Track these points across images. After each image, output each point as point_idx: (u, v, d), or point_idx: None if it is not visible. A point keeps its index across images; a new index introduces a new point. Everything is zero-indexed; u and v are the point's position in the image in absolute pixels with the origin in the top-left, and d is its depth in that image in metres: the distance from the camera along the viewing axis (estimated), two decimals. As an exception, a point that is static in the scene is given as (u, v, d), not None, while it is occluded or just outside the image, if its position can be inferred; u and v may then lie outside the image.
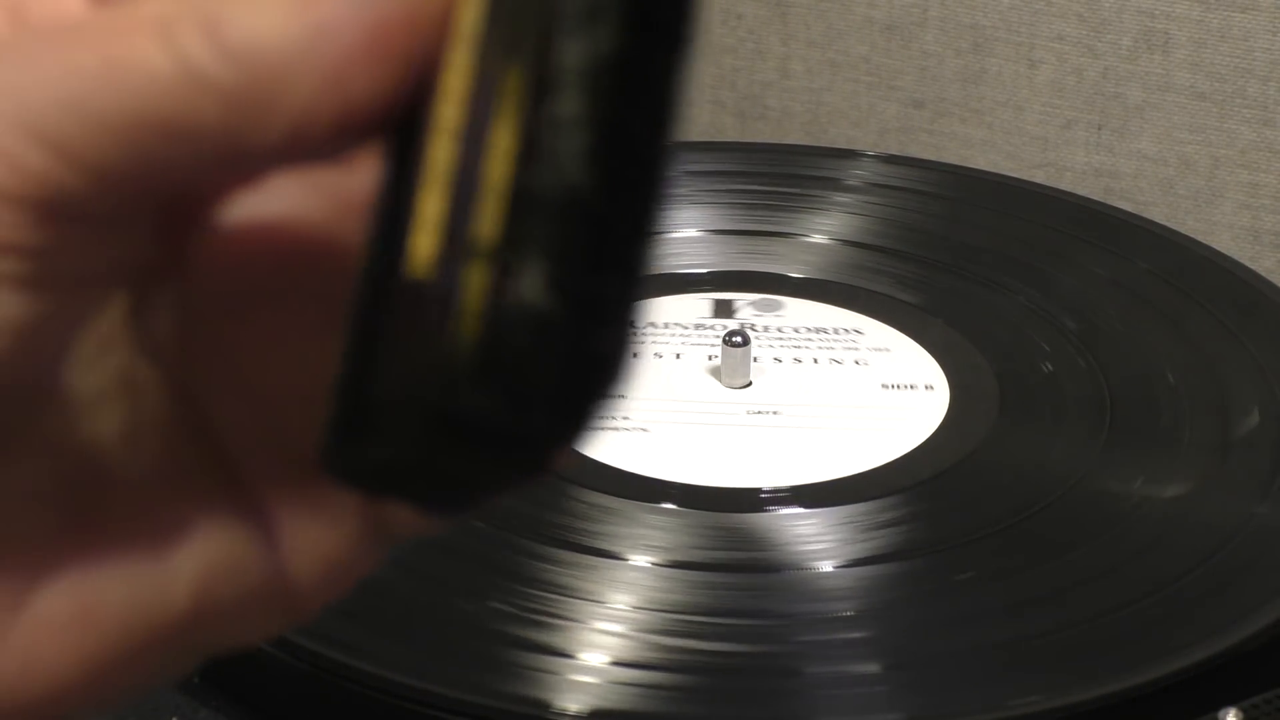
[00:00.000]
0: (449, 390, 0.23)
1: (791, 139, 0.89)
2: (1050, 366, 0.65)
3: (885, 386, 0.64)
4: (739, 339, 0.64)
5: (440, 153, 0.24)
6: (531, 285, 0.23)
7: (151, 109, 0.24)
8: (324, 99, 0.25)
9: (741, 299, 0.69)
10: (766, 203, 0.74)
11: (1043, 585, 0.55)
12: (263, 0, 0.25)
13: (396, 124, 0.25)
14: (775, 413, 0.63)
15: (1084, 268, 0.70)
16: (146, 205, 0.26)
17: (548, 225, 0.23)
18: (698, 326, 0.67)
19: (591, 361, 0.23)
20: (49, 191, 0.24)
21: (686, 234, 0.73)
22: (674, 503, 0.58)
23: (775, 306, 0.68)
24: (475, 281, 0.23)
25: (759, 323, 0.67)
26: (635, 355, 0.24)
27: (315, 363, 0.27)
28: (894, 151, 0.85)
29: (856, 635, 0.53)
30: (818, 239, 0.72)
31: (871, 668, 0.52)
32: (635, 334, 0.24)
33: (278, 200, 0.28)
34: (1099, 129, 0.85)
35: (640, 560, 0.55)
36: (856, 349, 0.66)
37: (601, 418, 0.24)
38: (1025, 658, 0.52)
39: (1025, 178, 0.80)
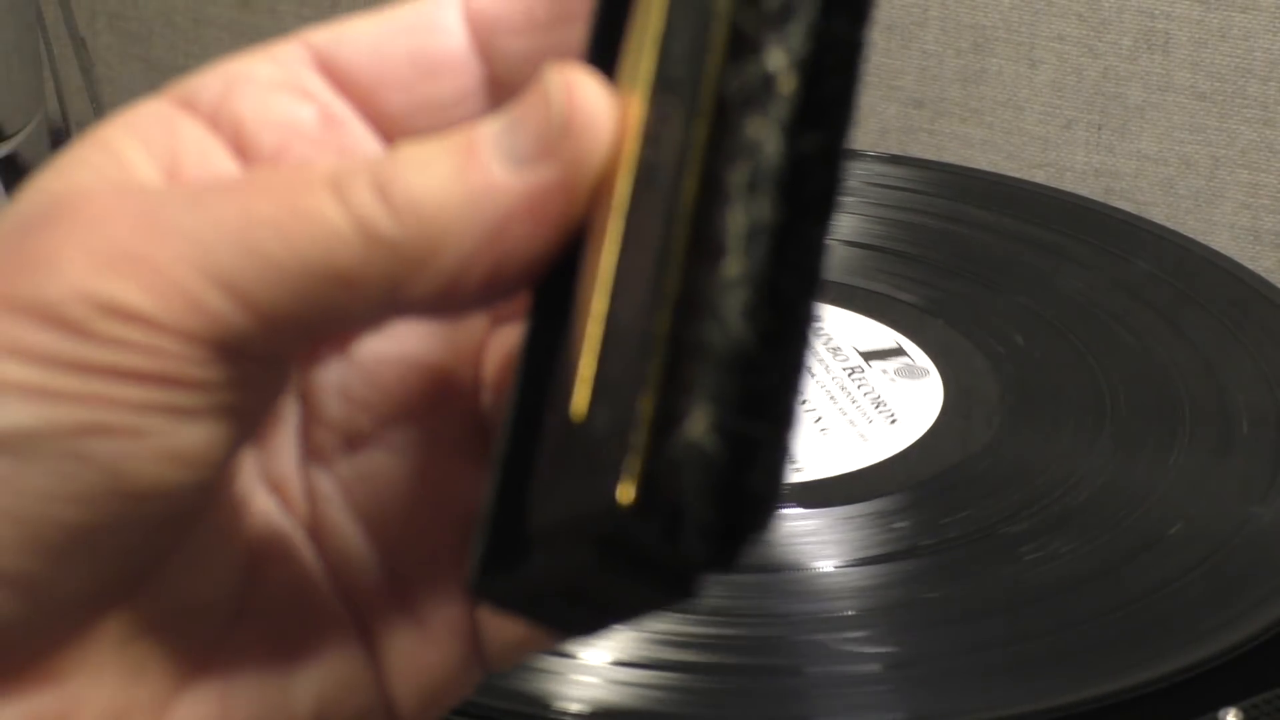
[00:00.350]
0: (614, 523, 0.25)
1: (791, 139, 0.89)
2: (1050, 366, 0.65)
3: (885, 387, 0.64)
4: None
5: (600, 305, 0.26)
6: (696, 428, 0.25)
7: (323, 258, 0.26)
8: (480, 256, 0.27)
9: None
10: None
11: (1042, 585, 0.55)
12: (429, 162, 0.27)
13: (544, 280, 0.27)
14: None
15: (1084, 268, 0.70)
16: (303, 346, 0.28)
17: (712, 374, 0.25)
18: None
19: (747, 500, 0.25)
20: (224, 332, 0.26)
21: None
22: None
23: None
24: (644, 423, 0.25)
25: None
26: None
27: (425, 493, 0.30)
28: (894, 151, 0.85)
29: (856, 635, 0.53)
30: (818, 239, 0.72)
31: (871, 668, 0.52)
32: (787, 477, 0.26)
33: (398, 341, 0.30)
34: (1099, 129, 0.85)
35: (640, 560, 0.55)
36: (855, 349, 0.66)
37: (750, 552, 0.26)
38: (1024, 658, 0.52)
39: (1025, 178, 0.80)
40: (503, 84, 0.30)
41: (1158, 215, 0.83)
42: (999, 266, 0.70)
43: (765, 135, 0.26)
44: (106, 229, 0.27)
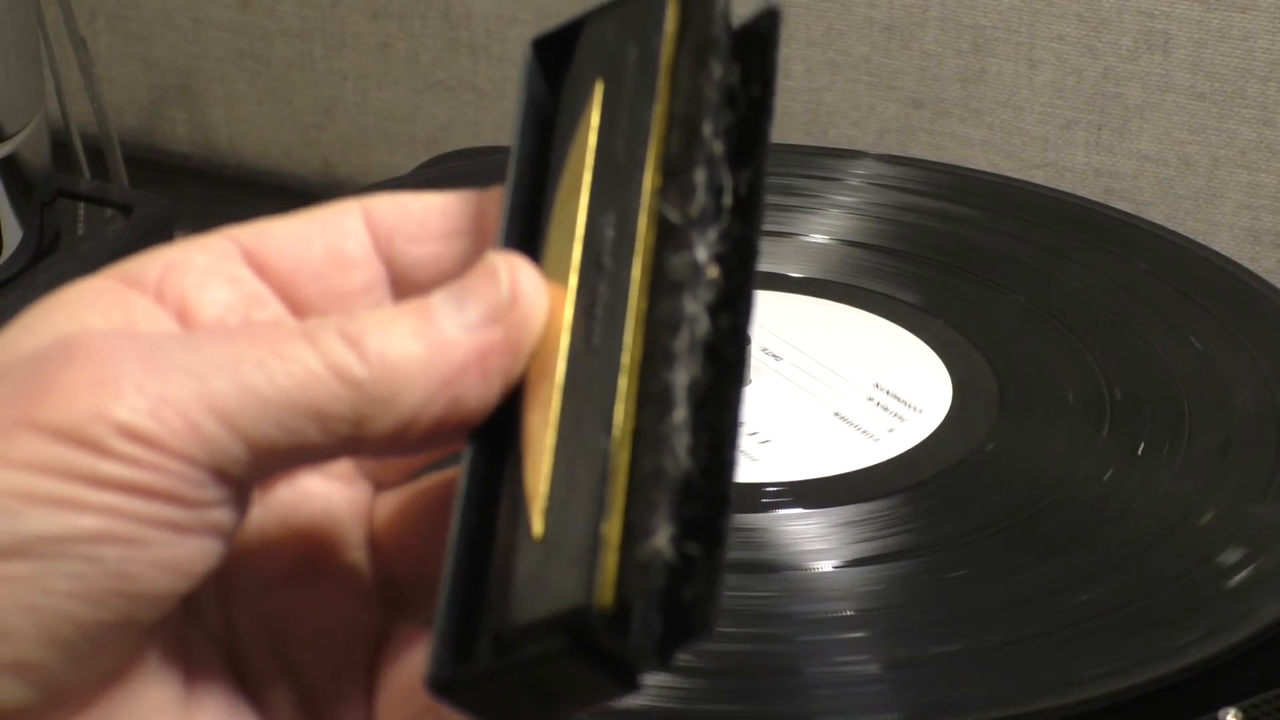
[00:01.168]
0: (589, 622, 0.29)
1: (791, 139, 0.89)
2: (1050, 366, 0.65)
3: (885, 387, 0.64)
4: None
5: (549, 440, 0.31)
6: (660, 543, 0.29)
7: (303, 395, 0.31)
8: (435, 400, 0.31)
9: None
10: (766, 202, 0.74)
11: (1042, 585, 0.55)
12: (391, 322, 0.32)
13: (487, 426, 0.32)
14: (777, 411, 0.63)
15: (1084, 268, 0.70)
16: (276, 474, 0.33)
17: (669, 499, 0.30)
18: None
19: (694, 607, 0.30)
20: (220, 457, 0.31)
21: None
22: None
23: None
24: (612, 539, 0.29)
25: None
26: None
27: (332, 624, 0.35)
28: (894, 151, 0.85)
29: (856, 635, 0.53)
30: (818, 239, 0.72)
31: (871, 668, 0.52)
32: (723, 590, 0.30)
33: (306, 493, 0.35)
34: (1099, 129, 0.85)
35: (640, 560, 0.55)
36: (853, 348, 0.66)
37: (689, 653, 0.30)
38: (1025, 658, 0.52)
39: (1025, 178, 0.80)
40: (404, 284, 0.35)
41: (1158, 215, 0.83)
42: (999, 266, 0.70)
43: (697, 312, 0.31)
44: (117, 364, 0.31)
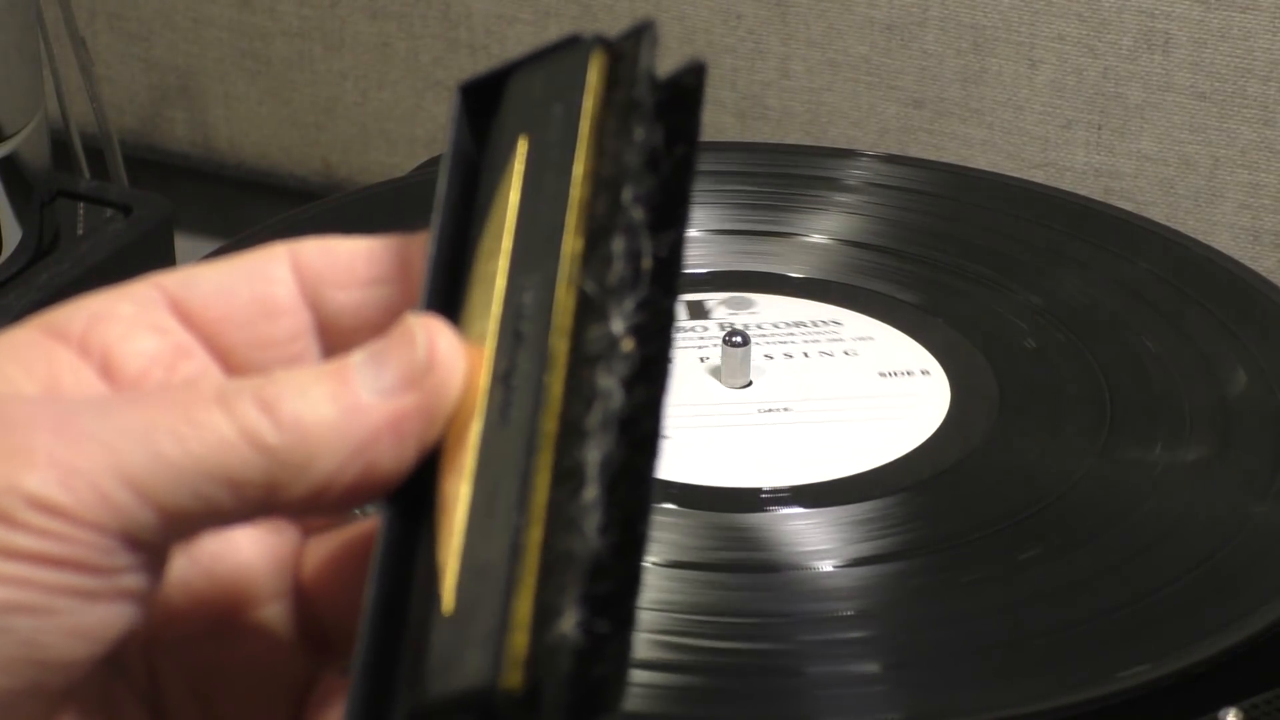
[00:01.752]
0: (496, 701, 0.29)
1: (791, 139, 0.89)
2: (1050, 366, 0.65)
3: (884, 387, 0.64)
4: (739, 339, 0.64)
5: (461, 517, 0.31)
6: (568, 624, 0.29)
7: (215, 462, 0.31)
8: (349, 465, 0.32)
9: (712, 298, 0.69)
10: (766, 203, 0.74)
11: (1042, 585, 0.55)
12: (307, 385, 0.32)
13: (395, 492, 0.32)
14: (780, 410, 0.63)
15: (1084, 268, 0.70)
16: (190, 538, 0.33)
17: (578, 579, 0.30)
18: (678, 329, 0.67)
19: (601, 685, 0.30)
20: (130, 524, 0.31)
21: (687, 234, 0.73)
22: (675, 503, 0.58)
23: (746, 304, 0.68)
24: (522, 618, 0.30)
25: (736, 321, 0.67)
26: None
27: (258, 676, 0.35)
28: (894, 151, 0.85)
29: (856, 635, 0.53)
30: (818, 239, 0.72)
31: (871, 668, 0.52)
32: (630, 669, 0.30)
33: (231, 544, 0.35)
34: (1099, 129, 0.85)
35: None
36: (854, 350, 0.66)
37: None
38: (1025, 657, 0.52)
39: (1025, 178, 0.80)
40: (330, 330, 0.35)
41: (1158, 215, 0.83)
42: (999, 266, 0.70)
43: (612, 386, 0.31)
44: (30, 433, 0.31)
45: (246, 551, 0.35)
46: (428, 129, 0.96)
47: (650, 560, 0.55)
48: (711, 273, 0.70)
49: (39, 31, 0.79)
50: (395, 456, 0.32)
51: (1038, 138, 0.86)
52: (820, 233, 0.72)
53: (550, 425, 0.31)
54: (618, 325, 0.31)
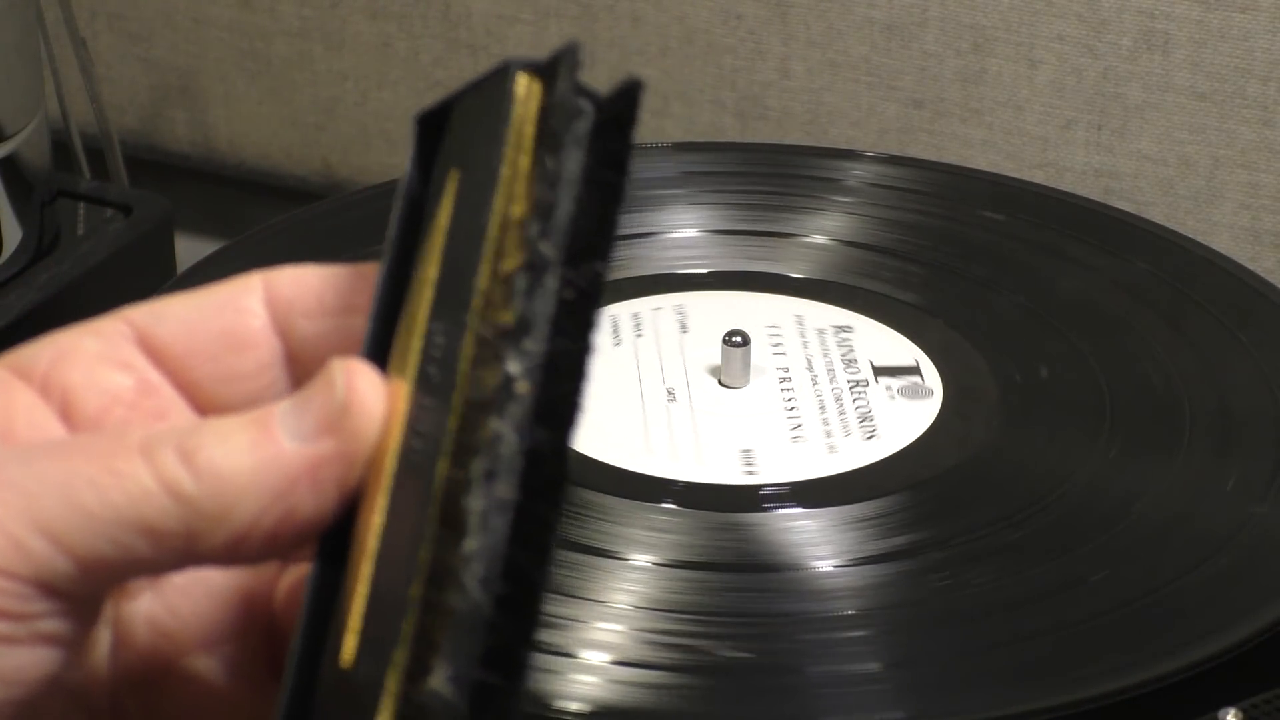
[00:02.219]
0: None
1: (791, 139, 0.89)
2: (1050, 367, 0.65)
3: (884, 387, 0.64)
4: (739, 339, 0.64)
5: (366, 569, 0.31)
6: (437, 680, 0.29)
7: (134, 512, 0.31)
8: (268, 514, 0.32)
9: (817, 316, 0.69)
10: (766, 203, 0.74)
11: (1042, 585, 0.55)
12: (230, 434, 0.32)
13: (326, 536, 0.32)
14: (779, 410, 0.63)
15: (1084, 268, 0.70)
16: (114, 586, 0.33)
17: (453, 634, 0.29)
18: (682, 330, 0.67)
19: None
20: (45, 573, 0.31)
21: (686, 234, 0.73)
22: (674, 503, 0.58)
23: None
24: (397, 674, 0.29)
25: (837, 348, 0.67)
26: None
27: (227, 713, 0.35)
28: (894, 151, 0.85)
29: (856, 635, 0.53)
30: (818, 239, 0.72)
31: (871, 668, 0.52)
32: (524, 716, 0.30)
33: (200, 578, 0.35)
34: (1099, 129, 0.85)
35: (640, 560, 0.55)
36: (853, 350, 0.66)
37: None
38: (1024, 658, 0.52)
39: (1025, 178, 0.80)
40: (299, 360, 0.35)
41: (1158, 215, 0.83)
42: (999, 266, 0.70)
43: (504, 431, 0.30)
44: None
45: (217, 585, 0.35)
46: (428, 129, 0.96)
47: (650, 560, 0.55)
48: (711, 273, 0.70)
49: (39, 32, 0.79)
50: (314, 503, 0.32)
51: (1037, 138, 0.86)
52: (820, 233, 0.72)
53: (443, 471, 0.30)
54: (514, 367, 0.30)
